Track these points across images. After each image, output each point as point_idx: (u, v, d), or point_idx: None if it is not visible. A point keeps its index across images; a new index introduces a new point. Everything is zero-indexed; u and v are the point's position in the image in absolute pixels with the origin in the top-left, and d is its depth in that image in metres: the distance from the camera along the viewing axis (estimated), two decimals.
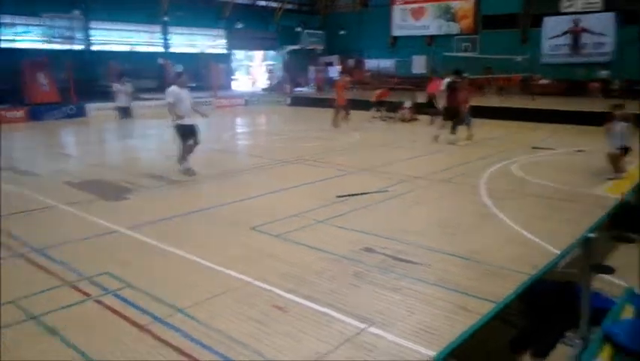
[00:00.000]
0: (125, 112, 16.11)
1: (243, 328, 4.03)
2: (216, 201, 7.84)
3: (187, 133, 9.50)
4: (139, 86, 29.17)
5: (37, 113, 20.04)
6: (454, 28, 33.64)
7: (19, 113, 19.66)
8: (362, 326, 4.07)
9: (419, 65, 33.16)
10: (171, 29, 33.93)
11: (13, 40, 27.14)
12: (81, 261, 5.37)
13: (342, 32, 38.11)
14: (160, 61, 31.47)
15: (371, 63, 37.76)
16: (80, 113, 21.04)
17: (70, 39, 25.98)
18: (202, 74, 31.67)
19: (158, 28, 33.16)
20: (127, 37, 32.26)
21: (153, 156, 12.97)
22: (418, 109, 18.71)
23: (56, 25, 25.42)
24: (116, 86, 16.13)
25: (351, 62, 39.08)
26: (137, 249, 5.84)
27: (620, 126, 9.10)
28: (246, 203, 7.83)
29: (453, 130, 13.33)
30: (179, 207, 7.44)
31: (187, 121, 9.52)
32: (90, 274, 5.02)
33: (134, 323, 4.10)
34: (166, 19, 32.56)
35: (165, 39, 33.74)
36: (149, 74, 31.59)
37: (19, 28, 27.24)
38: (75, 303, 4.46)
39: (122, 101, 15.89)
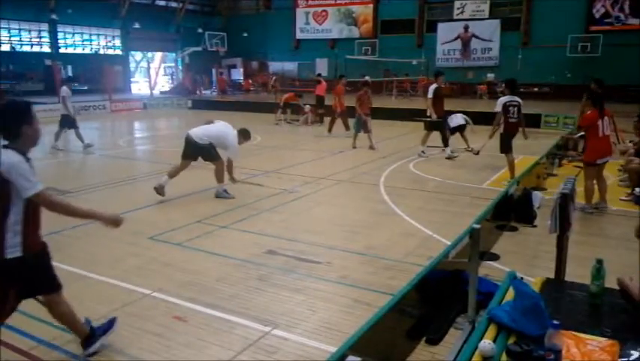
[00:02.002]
0: None
1: (142, 343, 3.84)
2: (110, 211, 7.38)
3: None
4: (23, 88, 27.05)
5: None
6: (355, 32, 34.71)
7: None
8: (266, 329, 4.03)
9: (322, 67, 33.83)
10: (61, 28, 31.78)
11: None
12: None
13: (245, 35, 37.83)
14: (47, 62, 29.31)
15: (275, 66, 37.90)
16: None
17: None
18: (96, 76, 29.98)
19: (45, 26, 30.91)
20: (10, 36, 29.77)
21: (39, 165, 11.97)
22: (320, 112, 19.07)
23: None
24: None
25: (254, 64, 38.96)
26: None
27: None
28: (143, 211, 7.49)
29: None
30: (67, 219, 6.90)
31: None
32: None
33: (18, 350, 3.75)
34: (54, 17, 30.39)
35: (54, 38, 31.52)
36: (35, 75, 29.36)
37: None
38: None
39: None
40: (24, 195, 3.13)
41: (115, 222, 3.65)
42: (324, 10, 35.74)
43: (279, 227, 6.66)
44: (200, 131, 8.07)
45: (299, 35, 36.82)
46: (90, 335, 3.64)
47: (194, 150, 8.06)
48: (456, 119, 12.44)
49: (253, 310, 4.33)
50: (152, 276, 5.06)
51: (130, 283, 4.87)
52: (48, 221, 6.16)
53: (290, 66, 37.08)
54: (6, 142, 3.16)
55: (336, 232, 6.50)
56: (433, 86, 11.96)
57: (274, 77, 33.22)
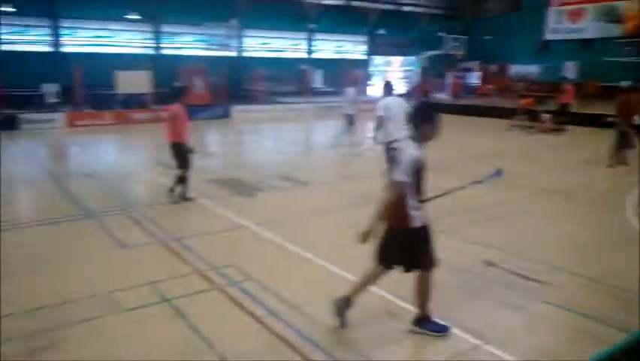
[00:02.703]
0: None
1: (357, 331, 4.05)
2: (340, 204, 7.98)
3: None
4: (280, 90, 30.93)
5: (189, 113, 22.14)
6: (616, 30, 30.39)
7: None
8: (476, 342, 3.87)
9: (571, 70, 30.58)
10: (316, 36, 35.42)
11: (177, 48, 30.42)
12: (211, 252, 5.82)
13: (486, 37, 36.53)
14: (302, 67, 32.95)
15: (515, 69, 35.69)
16: (226, 114, 22.82)
17: (226, 46, 28.31)
18: (339, 79, 32.52)
19: (304, 35, 34.85)
20: (274, 44, 34.37)
21: (286, 158, 13.55)
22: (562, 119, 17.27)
23: (215, 33, 27.86)
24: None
25: (493, 67, 37.31)
26: (260, 245, 6.16)
27: None
28: (370, 207, 7.83)
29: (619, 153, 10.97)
30: (304, 208, 7.72)
31: None
32: (217, 265, 5.41)
33: (253, 315, 4.32)
34: (312, 26, 34.06)
35: (309, 46, 35.30)
36: (290, 79, 33.24)
37: (183, 37, 30.46)
38: (202, 291, 4.84)
39: None
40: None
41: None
42: (582, 8, 32.13)
43: (501, 238, 6.29)
44: None
45: (548, 36, 33.90)
46: (426, 319, 4.03)
47: None
48: None
49: (464, 320, 4.18)
50: None
51: (351, 273, 5.14)
52: (286, 208, 6.87)
53: (533, 69, 34.47)
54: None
55: (565, 252, 5.84)
56: None
57: (528, 82, 31.25)
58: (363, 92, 35.36)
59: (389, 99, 8.61)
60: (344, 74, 29.45)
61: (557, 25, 33.45)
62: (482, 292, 4.76)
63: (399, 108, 8.24)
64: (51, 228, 6.76)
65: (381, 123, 8.42)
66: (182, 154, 7.77)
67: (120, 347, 3.83)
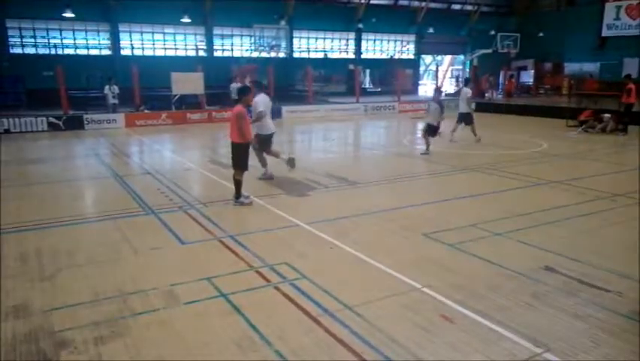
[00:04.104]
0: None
1: (408, 333, 4.03)
2: (390, 205, 7.94)
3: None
4: (329, 90, 31.03)
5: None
6: None
7: (228, 113, 22.33)
8: (537, 350, 3.76)
9: (632, 68, 29.16)
10: (364, 36, 35.31)
11: (228, 50, 31.08)
12: (265, 249, 5.92)
13: (540, 35, 35.34)
14: (350, 67, 32.95)
15: (571, 67, 34.37)
16: (277, 114, 23.07)
17: (276, 47, 28.68)
18: (388, 79, 32.32)
19: (352, 35, 34.82)
20: (323, 45, 34.53)
21: (335, 158, 13.58)
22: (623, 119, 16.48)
23: (265, 35, 28.27)
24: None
25: (547, 65, 36.10)
26: (313, 243, 6.22)
27: None
28: (419, 209, 7.79)
29: None
30: (354, 208, 7.73)
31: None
32: (271, 263, 5.50)
33: (307, 313, 4.37)
34: (360, 26, 33.98)
35: (357, 45, 35.23)
36: (339, 79, 33.27)
37: (234, 39, 31.06)
38: (257, 287, 4.94)
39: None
40: None
41: None
42: None
43: (560, 243, 6.07)
44: None
45: (605, 32, 32.44)
46: None
47: None
48: None
49: (524, 327, 4.07)
50: (423, 271, 5.24)
51: (402, 274, 5.15)
52: (336, 207, 6.89)
53: (590, 67, 33.08)
54: None
55: (633, 259, 5.56)
56: None
57: (587, 80, 30.00)
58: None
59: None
60: (394, 73, 29.23)
61: (615, 22, 32.01)
62: (542, 298, 4.62)
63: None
64: (115, 223, 7.06)
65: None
66: (238, 154, 7.90)
67: (179, 338, 3.96)
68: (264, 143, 9.63)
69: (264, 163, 9.88)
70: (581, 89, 24.21)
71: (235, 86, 22.66)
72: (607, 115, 16.69)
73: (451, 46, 39.83)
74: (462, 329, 4.07)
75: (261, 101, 9.44)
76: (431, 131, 12.76)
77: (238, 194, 7.98)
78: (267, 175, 9.85)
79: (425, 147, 12.80)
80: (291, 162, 9.87)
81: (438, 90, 14.30)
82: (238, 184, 7.95)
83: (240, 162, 7.89)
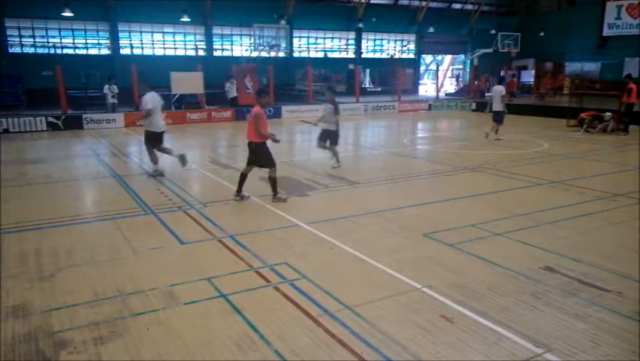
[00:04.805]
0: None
1: (408, 333, 4.02)
2: (390, 205, 7.93)
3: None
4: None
5: (241, 113, 22.57)
6: None
7: (227, 113, 22.36)
8: (537, 350, 3.75)
9: (633, 68, 29.17)
10: (364, 35, 35.29)
11: (226, 49, 31.04)
12: (264, 249, 5.91)
13: (541, 34, 35.33)
14: (350, 66, 32.94)
15: (572, 67, 34.38)
16: (277, 114, 23.09)
17: (276, 47, 28.72)
18: (389, 78, 32.32)
19: (352, 34, 34.80)
20: (323, 45, 34.51)
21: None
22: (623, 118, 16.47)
23: (265, 34, 28.32)
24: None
25: (548, 65, 36.09)
26: (313, 243, 6.21)
27: None
28: (419, 209, 7.78)
29: None
30: (354, 208, 7.73)
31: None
32: (271, 263, 5.50)
33: (307, 313, 4.36)
34: (360, 25, 33.97)
35: (358, 45, 35.23)
36: (339, 78, 33.25)
37: (234, 39, 31.03)
38: (257, 287, 4.93)
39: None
40: None
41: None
42: None
43: (560, 243, 6.07)
44: None
45: (606, 32, 32.44)
46: None
47: None
48: None
49: (523, 327, 4.07)
50: (423, 271, 5.24)
51: (402, 274, 5.14)
52: (336, 207, 6.88)
53: (591, 67, 33.09)
54: None
55: (633, 259, 5.56)
56: None
57: (587, 80, 30.04)
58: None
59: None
60: (394, 73, 29.23)
61: (616, 21, 32.03)
62: (542, 298, 4.61)
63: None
64: (114, 222, 7.05)
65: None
66: (262, 153, 7.99)
67: (179, 338, 3.95)
68: (153, 139, 10.09)
69: (154, 160, 10.23)
70: (583, 88, 24.21)
71: (229, 85, 22.83)
72: (608, 113, 16.68)
73: (451, 45, 39.84)
74: (462, 329, 4.07)
75: (150, 99, 9.85)
76: (332, 138, 10.79)
77: (275, 191, 8.14)
78: (158, 172, 10.15)
79: (335, 159, 11.00)
80: (182, 159, 10.14)
81: (331, 89, 12.23)
82: (273, 182, 8.11)
83: (266, 160, 8.03)
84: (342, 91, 31.71)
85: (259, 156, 8.02)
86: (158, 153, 10.26)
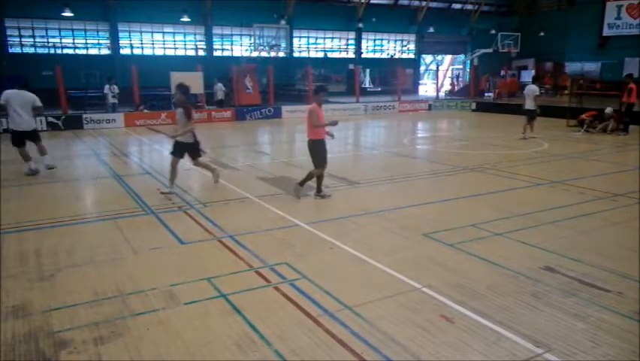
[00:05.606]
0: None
1: (408, 333, 4.02)
2: (390, 205, 7.93)
3: None
4: (331, 90, 31.06)
5: (241, 113, 22.60)
6: None
7: (227, 113, 22.37)
8: (537, 350, 3.75)
9: (633, 68, 29.17)
10: (364, 35, 35.31)
11: (226, 49, 31.02)
12: (264, 249, 5.91)
13: (541, 34, 35.33)
14: (350, 66, 32.96)
15: (573, 67, 34.38)
16: (277, 114, 23.11)
17: (276, 47, 28.76)
18: (389, 78, 32.33)
19: (352, 34, 34.81)
20: (323, 45, 34.51)
21: (335, 157, 13.55)
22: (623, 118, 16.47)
23: (265, 34, 28.38)
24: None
25: (548, 65, 36.09)
26: (313, 243, 6.21)
27: None
28: (419, 209, 7.78)
29: None
30: (354, 207, 7.73)
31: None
32: (271, 263, 5.49)
33: (307, 313, 4.36)
34: (360, 25, 33.98)
35: (358, 45, 35.24)
36: (339, 78, 33.26)
37: (234, 39, 31.02)
38: (257, 287, 4.92)
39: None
40: None
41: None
42: None
43: (561, 243, 6.06)
44: None
45: (606, 32, 32.45)
46: None
47: None
48: None
49: (523, 327, 4.07)
50: (423, 271, 5.23)
51: (402, 274, 5.14)
52: (336, 207, 6.87)
53: (591, 67, 33.10)
54: None
55: (633, 259, 5.56)
56: None
57: (587, 80, 30.08)
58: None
59: None
60: (394, 73, 29.23)
61: (616, 21, 32.03)
62: (542, 298, 4.61)
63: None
64: (114, 222, 7.05)
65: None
66: (314, 151, 8.09)
67: (179, 338, 3.95)
68: (16, 138, 10.08)
69: (26, 158, 10.26)
70: (583, 88, 24.20)
71: (217, 88, 23.00)
72: (609, 109, 16.64)
73: (451, 45, 39.86)
74: (462, 329, 4.07)
75: (5, 95, 9.81)
76: (191, 151, 8.65)
77: (319, 188, 8.30)
78: (33, 170, 10.17)
79: (169, 183, 8.65)
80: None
81: (181, 87, 8.53)
82: (319, 179, 8.28)
83: (317, 158, 8.11)
84: (342, 91, 31.74)
85: (311, 153, 8.14)
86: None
